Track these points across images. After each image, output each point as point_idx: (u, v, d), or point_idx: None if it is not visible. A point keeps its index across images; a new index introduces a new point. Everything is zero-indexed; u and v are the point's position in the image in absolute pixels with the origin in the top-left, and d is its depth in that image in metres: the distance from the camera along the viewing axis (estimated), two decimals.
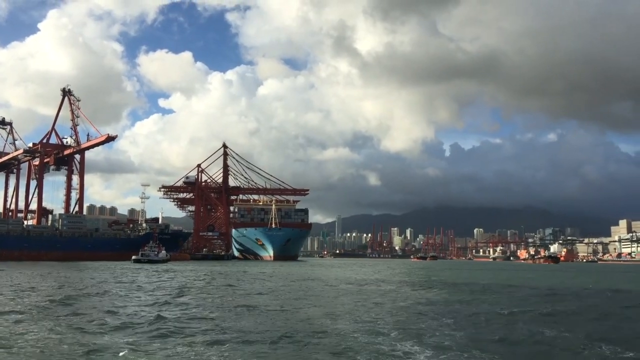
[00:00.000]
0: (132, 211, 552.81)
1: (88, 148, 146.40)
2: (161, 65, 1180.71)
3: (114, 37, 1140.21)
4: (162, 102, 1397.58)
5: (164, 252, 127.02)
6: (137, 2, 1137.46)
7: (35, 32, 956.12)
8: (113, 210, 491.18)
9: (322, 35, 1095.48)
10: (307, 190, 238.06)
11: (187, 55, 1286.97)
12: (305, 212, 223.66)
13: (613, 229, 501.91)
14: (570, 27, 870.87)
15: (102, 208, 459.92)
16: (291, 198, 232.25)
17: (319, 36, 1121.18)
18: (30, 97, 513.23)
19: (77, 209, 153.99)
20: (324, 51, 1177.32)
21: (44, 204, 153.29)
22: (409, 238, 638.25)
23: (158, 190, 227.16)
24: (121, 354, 16.67)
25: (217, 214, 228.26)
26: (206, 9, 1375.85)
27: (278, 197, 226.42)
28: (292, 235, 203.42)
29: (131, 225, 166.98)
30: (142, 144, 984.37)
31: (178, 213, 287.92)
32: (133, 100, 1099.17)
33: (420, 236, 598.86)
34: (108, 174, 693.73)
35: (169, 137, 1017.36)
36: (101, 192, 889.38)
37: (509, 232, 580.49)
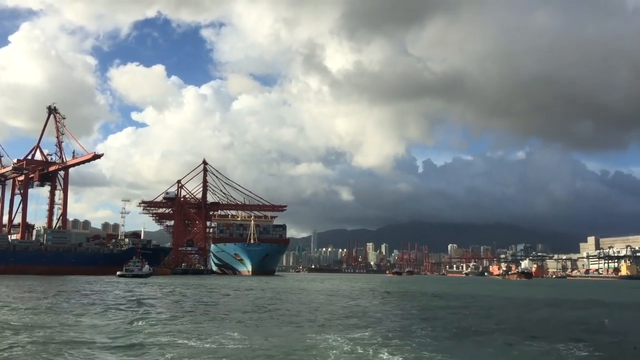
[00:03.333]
0: (105, 225, 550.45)
1: (73, 165, 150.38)
2: (132, 79, 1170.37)
3: (88, 51, 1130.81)
4: (135, 116, 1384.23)
5: (147, 266, 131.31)
6: (110, 17, 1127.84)
7: (7, 44, 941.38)
8: (87, 223, 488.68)
9: (293, 52, 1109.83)
10: (285, 206, 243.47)
11: (159, 69, 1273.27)
12: (283, 227, 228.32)
13: (582, 245, 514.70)
14: (531, 50, 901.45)
15: (76, 222, 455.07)
16: (269, 214, 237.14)
17: (289, 54, 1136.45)
18: (0, 109, 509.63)
19: (60, 224, 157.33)
20: (295, 69, 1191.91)
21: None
22: (384, 253, 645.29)
23: (138, 206, 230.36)
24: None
25: (195, 229, 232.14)
26: (180, 25, 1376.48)
27: (256, 212, 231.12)
28: (270, 251, 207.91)
29: (113, 240, 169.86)
30: (114, 157, 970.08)
31: (152, 226, 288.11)
32: (105, 113, 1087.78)
33: (395, 251, 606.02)
34: (78, 187, 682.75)
35: (142, 150, 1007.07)
36: (71, 205, 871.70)
37: (482, 247, 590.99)
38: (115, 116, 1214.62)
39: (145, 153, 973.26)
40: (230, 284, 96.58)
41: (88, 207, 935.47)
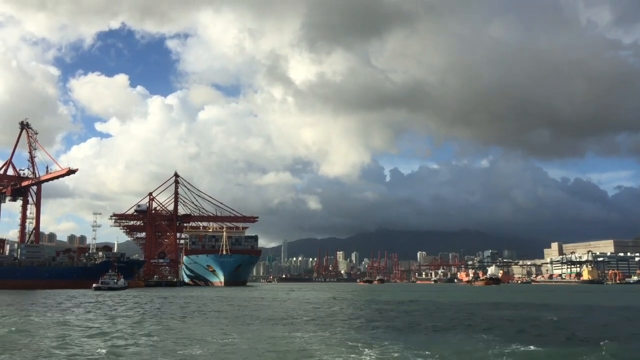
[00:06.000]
0: (72, 237, 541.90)
1: (47, 180, 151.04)
2: (93, 88, 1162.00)
3: (50, 62, 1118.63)
4: (99, 126, 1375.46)
5: (122, 280, 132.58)
6: (73, 29, 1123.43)
7: None
8: (52, 236, 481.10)
9: (256, 63, 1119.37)
10: (257, 217, 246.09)
11: (121, 78, 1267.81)
12: (255, 238, 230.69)
13: (546, 251, 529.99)
14: (487, 61, 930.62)
15: (40, 234, 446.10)
16: (240, 225, 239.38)
17: (253, 65, 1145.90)
18: None
19: (32, 238, 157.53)
20: (259, 79, 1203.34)
21: None
22: (354, 262, 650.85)
23: (109, 218, 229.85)
24: None
25: (167, 241, 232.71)
26: (144, 37, 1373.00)
27: (228, 224, 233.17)
28: (242, 262, 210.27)
29: (86, 254, 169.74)
30: (78, 168, 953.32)
31: (120, 237, 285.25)
32: (68, 124, 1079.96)
33: (366, 259, 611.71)
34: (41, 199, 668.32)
35: (106, 161, 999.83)
36: (33, 218, 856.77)
37: (450, 254, 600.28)
38: (79, 127, 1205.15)
39: (109, 164, 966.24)
40: (210, 294, 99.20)
41: (51, 219, 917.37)
